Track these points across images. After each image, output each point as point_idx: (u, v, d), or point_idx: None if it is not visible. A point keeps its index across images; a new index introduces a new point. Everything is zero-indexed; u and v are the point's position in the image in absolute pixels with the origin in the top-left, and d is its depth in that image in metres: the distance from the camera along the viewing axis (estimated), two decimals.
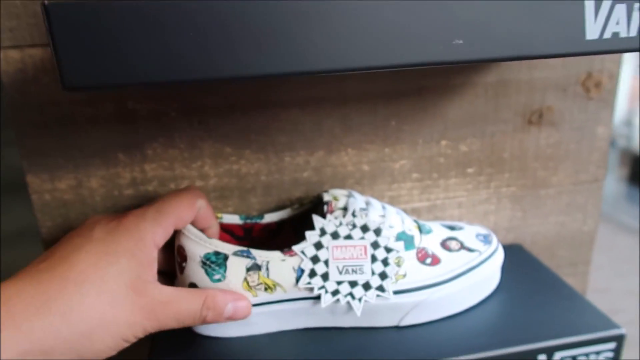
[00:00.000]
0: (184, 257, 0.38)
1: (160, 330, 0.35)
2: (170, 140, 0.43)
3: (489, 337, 0.39)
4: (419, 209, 0.50)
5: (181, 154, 0.44)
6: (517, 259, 0.50)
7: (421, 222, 0.43)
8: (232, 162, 0.45)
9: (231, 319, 0.37)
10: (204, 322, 0.36)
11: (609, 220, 2.09)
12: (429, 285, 0.40)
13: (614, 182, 2.39)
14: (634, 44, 0.31)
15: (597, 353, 0.40)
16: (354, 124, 0.46)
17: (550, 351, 0.39)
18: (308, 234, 0.38)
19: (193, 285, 0.38)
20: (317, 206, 0.42)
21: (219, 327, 0.40)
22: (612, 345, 0.40)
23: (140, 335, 0.34)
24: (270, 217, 0.44)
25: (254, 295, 0.38)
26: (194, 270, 0.38)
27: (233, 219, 0.43)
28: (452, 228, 0.45)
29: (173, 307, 0.35)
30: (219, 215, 0.42)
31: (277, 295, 0.39)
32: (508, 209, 0.52)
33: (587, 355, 0.40)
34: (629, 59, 2.71)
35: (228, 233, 0.44)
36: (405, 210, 0.50)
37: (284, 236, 0.45)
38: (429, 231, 0.43)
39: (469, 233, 0.44)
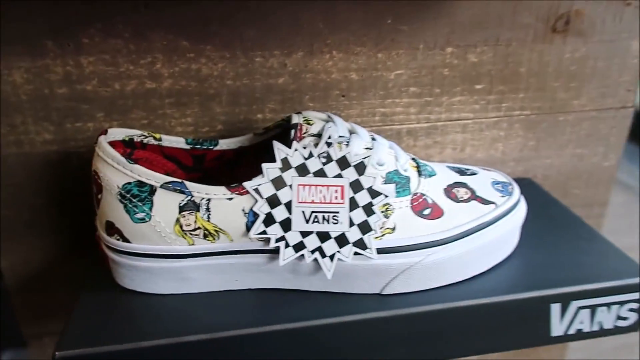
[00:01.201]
0: (99, 187, 0.30)
1: None
2: (110, 27, 0.35)
3: (492, 282, 0.32)
4: (416, 131, 0.42)
5: (126, 46, 0.36)
6: (527, 194, 0.43)
7: (422, 161, 0.35)
8: (190, 60, 0.37)
9: None
10: None
11: None
12: (426, 244, 0.31)
13: None
14: None
15: (621, 304, 0.33)
16: (341, 20, 0.37)
17: (565, 299, 0.32)
18: (265, 167, 0.29)
19: (110, 225, 0.30)
20: (287, 132, 0.33)
21: (148, 282, 0.32)
22: (638, 295, 0.33)
23: None
24: (226, 144, 0.36)
25: (190, 242, 0.30)
26: (111, 205, 0.30)
27: (177, 142, 0.35)
28: (461, 172, 0.36)
29: None
30: (157, 135, 0.34)
31: (221, 245, 0.30)
32: (520, 136, 0.45)
33: (608, 305, 0.33)
34: None
35: (173, 161, 0.35)
36: (399, 133, 0.42)
37: (244, 169, 0.36)
38: (431, 174, 0.34)
39: (483, 179, 0.36)
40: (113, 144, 0.32)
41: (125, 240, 0.30)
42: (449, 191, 0.33)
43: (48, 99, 0.36)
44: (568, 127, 0.45)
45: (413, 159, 0.34)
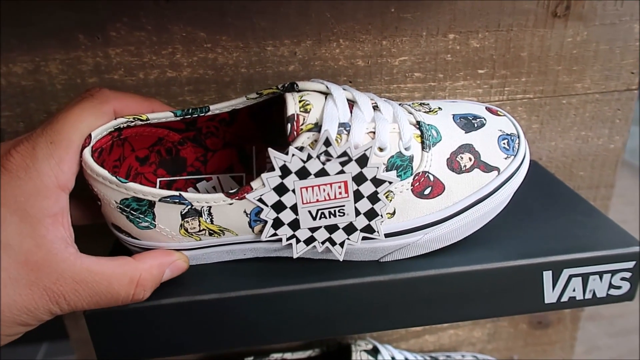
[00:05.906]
0: (96, 197, 0.31)
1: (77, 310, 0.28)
2: (135, 21, 0.38)
3: (487, 250, 0.34)
4: None
5: (149, 38, 0.39)
6: (531, 174, 0.44)
7: (427, 125, 0.33)
8: (207, 50, 0.40)
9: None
10: (137, 300, 0.30)
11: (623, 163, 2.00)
12: (423, 225, 0.32)
13: None
14: None
15: (612, 273, 0.35)
16: (347, 9, 0.40)
17: (557, 267, 0.34)
18: (265, 177, 0.29)
19: (116, 227, 0.32)
20: (279, 97, 0.33)
21: None
22: (630, 264, 0.35)
23: (47, 317, 0.27)
24: (218, 109, 0.34)
25: (197, 239, 0.32)
26: (113, 214, 0.31)
27: (166, 117, 0.33)
28: (469, 125, 0.34)
29: (91, 288, 0.27)
30: (144, 116, 0.33)
31: (227, 238, 0.32)
32: (523, 119, 0.46)
33: (600, 274, 0.35)
34: None
35: (164, 127, 0.35)
36: None
37: (239, 125, 0.36)
38: (435, 141, 0.32)
39: (490, 134, 0.34)
40: (101, 140, 0.31)
41: (134, 238, 0.32)
42: (452, 160, 0.32)
43: (80, 87, 0.40)
44: (572, 110, 0.47)
45: (418, 122, 0.33)
